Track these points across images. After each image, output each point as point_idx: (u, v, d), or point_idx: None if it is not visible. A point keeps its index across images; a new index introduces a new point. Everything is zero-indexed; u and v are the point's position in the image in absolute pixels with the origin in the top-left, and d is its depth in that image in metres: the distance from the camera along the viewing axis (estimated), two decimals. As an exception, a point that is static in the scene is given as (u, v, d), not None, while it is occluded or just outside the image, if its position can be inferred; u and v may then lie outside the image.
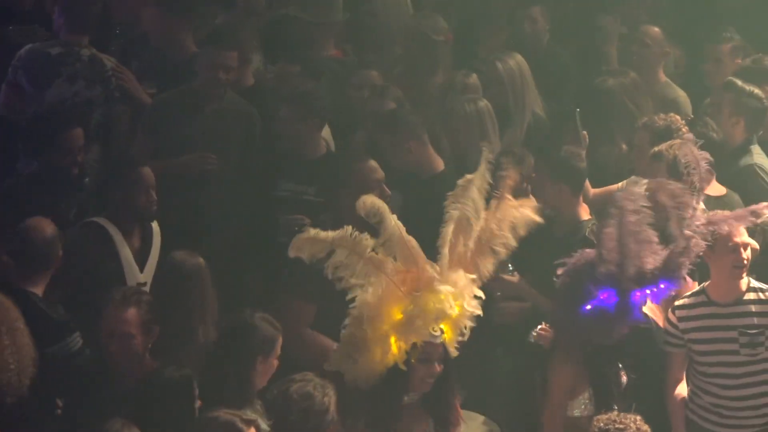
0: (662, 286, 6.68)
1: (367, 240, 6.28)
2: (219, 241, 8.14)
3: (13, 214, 7.39)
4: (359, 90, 8.84)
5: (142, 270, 7.54)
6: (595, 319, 6.65)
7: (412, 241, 6.30)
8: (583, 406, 6.79)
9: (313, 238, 6.44)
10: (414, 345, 6.24)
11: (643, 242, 6.63)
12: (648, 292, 6.68)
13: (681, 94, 9.18)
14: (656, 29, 9.49)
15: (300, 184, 8.10)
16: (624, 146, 8.44)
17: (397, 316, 6.26)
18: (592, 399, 6.74)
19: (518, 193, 7.48)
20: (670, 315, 7.01)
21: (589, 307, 6.62)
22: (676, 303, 6.97)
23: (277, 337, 6.74)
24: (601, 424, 6.11)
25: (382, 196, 7.23)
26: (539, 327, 7.17)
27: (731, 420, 6.94)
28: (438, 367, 6.30)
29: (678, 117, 8.15)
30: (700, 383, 6.92)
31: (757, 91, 8.35)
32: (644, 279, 6.60)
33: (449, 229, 6.41)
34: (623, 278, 6.53)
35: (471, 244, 6.46)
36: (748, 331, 6.84)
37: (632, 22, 10.04)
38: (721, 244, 6.77)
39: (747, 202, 7.61)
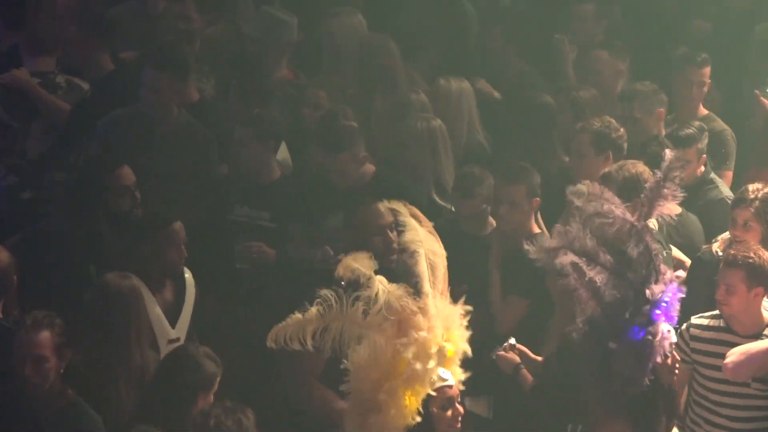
0: (667, 297, 6.33)
1: (358, 307, 6.04)
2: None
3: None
4: (314, 110, 8.90)
5: (174, 325, 7.61)
6: (628, 358, 6.27)
7: (404, 299, 6.07)
8: None
9: (303, 321, 6.22)
10: (428, 395, 6.10)
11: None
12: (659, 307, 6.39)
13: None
14: (604, 53, 9.72)
15: (255, 209, 8.17)
16: (566, 158, 8.65)
17: (399, 369, 6.08)
18: None
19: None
20: (684, 329, 6.93)
21: (615, 346, 6.28)
22: (693, 320, 6.94)
23: (218, 373, 6.84)
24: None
25: (386, 242, 7.38)
26: (508, 343, 7.20)
27: None
28: (461, 408, 6.16)
29: (613, 120, 8.42)
30: (701, 412, 6.94)
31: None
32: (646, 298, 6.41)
33: (422, 266, 6.22)
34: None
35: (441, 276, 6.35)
36: None
37: (587, 42, 10.23)
38: None
39: (713, 231, 7.92)
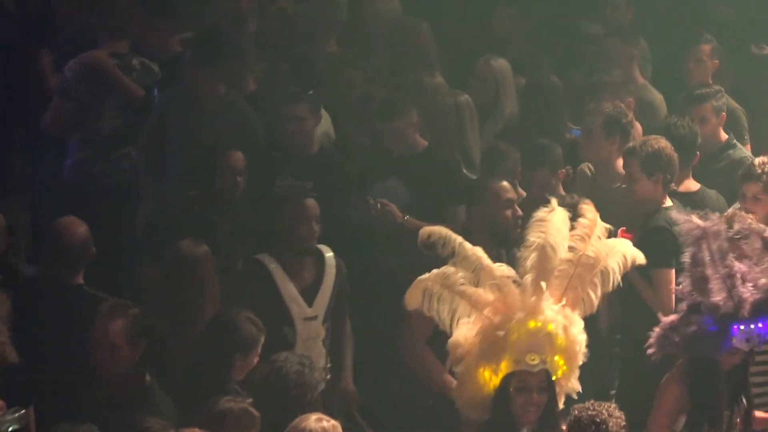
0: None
1: (456, 273, 6.37)
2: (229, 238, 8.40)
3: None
4: (348, 88, 9.29)
5: (311, 304, 7.76)
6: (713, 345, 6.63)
7: (495, 268, 6.36)
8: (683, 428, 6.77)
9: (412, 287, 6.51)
10: (511, 374, 6.28)
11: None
12: None
13: (657, 97, 9.75)
14: (615, 40, 9.94)
15: (298, 179, 8.33)
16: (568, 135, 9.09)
17: (490, 346, 6.33)
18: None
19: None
20: None
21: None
22: None
23: (259, 337, 7.03)
24: (576, 412, 6.19)
25: (513, 216, 7.72)
26: None
27: None
28: (538, 397, 6.28)
29: (622, 105, 8.74)
30: None
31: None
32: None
33: (532, 257, 6.43)
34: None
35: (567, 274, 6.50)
36: None
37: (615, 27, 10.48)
38: None
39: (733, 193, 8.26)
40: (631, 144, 8.25)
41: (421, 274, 7.21)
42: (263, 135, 8.80)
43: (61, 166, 9.00)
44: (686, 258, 6.75)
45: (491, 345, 6.27)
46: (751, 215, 7.42)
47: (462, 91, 9.11)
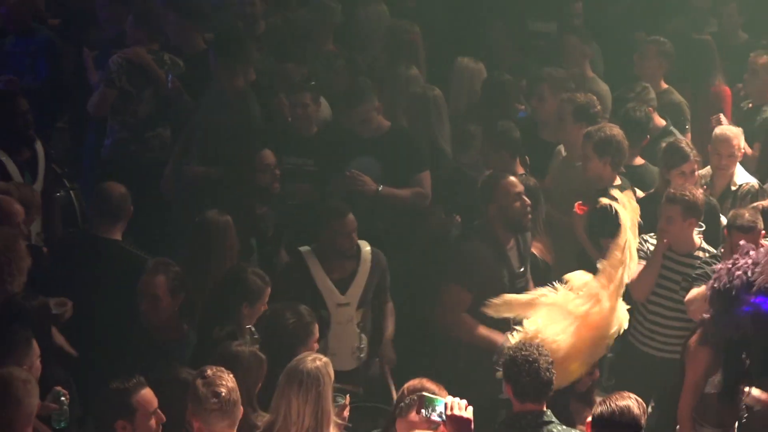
0: None
1: (569, 296, 6.74)
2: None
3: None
4: (336, 76, 9.88)
5: (344, 292, 8.06)
6: (751, 320, 6.82)
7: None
8: (714, 385, 7.03)
9: (519, 302, 6.90)
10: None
11: None
12: None
13: (603, 88, 10.28)
14: (574, 38, 10.50)
15: (301, 157, 9.06)
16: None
17: (595, 350, 6.81)
18: (723, 378, 6.97)
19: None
20: None
21: (746, 310, 6.80)
22: None
23: (264, 289, 7.30)
24: (511, 352, 6.37)
25: (523, 206, 8.02)
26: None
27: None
28: (597, 374, 6.97)
29: (594, 97, 9.26)
30: (643, 314, 7.95)
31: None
32: None
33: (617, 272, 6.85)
34: None
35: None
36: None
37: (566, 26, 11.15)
38: None
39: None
40: (588, 128, 8.69)
41: (400, 237, 8.09)
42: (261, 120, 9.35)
43: (100, 145, 9.56)
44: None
45: (595, 348, 6.82)
46: None
47: (434, 87, 9.60)
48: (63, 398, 6.69)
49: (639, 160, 9.16)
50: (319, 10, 10.65)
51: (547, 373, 6.19)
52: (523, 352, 6.22)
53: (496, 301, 6.95)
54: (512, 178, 8.14)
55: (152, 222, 8.93)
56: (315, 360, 6.32)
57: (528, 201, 7.99)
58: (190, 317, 7.40)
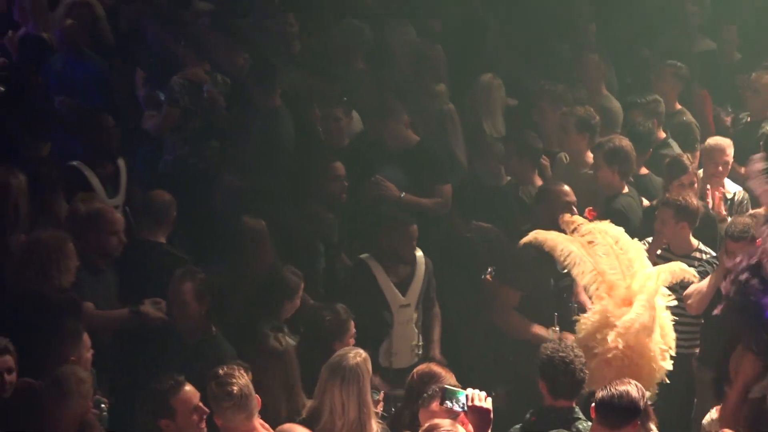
0: None
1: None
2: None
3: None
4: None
5: (405, 294, 8.44)
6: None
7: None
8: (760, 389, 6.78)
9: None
10: None
11: None
12: None
13: (616, 104, 10.73)
14: (594, 56, 11.04)
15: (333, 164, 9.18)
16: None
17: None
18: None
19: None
20: None
21: None
22: None
23: (300, 284, 7.68)
24: (548, 352, 6.59)
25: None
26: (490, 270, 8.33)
27: None
28: None
29: (592, 109, 9.65)
30: None
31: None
32: None
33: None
34: None
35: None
36: None
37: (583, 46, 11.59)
38: None
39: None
40: (600, 139, 9.17)
41: (419, 240, 8.29)
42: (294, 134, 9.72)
43: (152, 159, 9.86)
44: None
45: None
46: None
47: (447, 102, 10.15)
48: (103, 405, 6.92)
49: (644, 170, 9.67)
50: (350, 32, 11.03)
51: (581, 374, 6.49)
52: (560, 353, 6.49)
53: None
54: (566, 188, 8.44)
55: (204, 228, 9.22)
56: (356, 356, 6.60)
57: (576, 212, 8.13)
58: (218, 318, 7.65)
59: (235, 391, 6.38)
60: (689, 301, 8.05)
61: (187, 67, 9.94)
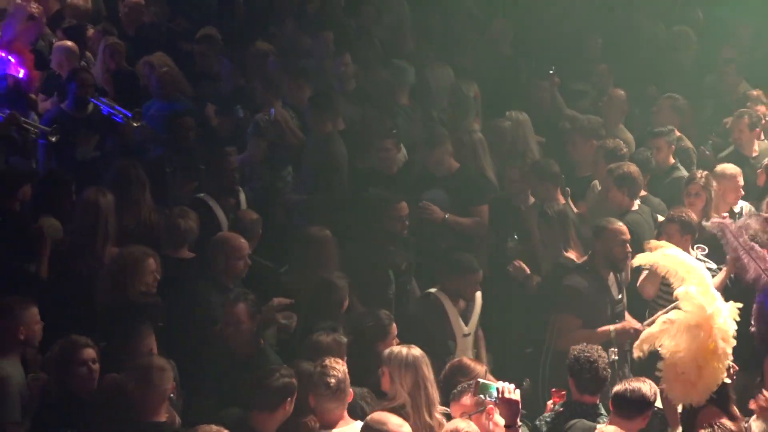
0: None
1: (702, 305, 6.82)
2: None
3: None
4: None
5: (467, 323, 8.74)
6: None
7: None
8: None
9: (654, 334, 6.92)
10: None
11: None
12: None
13: (629, 136, 11.53)
14: (622, 92, 11.81)
15: (384, 190, 10.12)
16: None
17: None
18: None
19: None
20: None
21: None
22: None
23: (346, 288, 8.16)
24: (575, 353, 6.97)
25: (624, 252, 8.64)
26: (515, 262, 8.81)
27: None
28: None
29: (621, 142, 10.48)
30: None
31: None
32: None
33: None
34: None
35: None
36: None
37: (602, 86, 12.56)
38: None
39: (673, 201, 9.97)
40: (611, 165, 9.84)
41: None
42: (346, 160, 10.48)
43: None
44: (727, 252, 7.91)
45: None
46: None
47: (477, 131, 10.83)
48: (171, 395, 7.14)
49: (642, 192, 10.26)
50: (397, 71, 11.94)
51: (604, 372, 6.99)
52: (585, 354, 6.98)
53: (636, 344, 7.04)
54: (622, 227, 8.84)
55: (282, 239, 9.84)
56: (409, 347, 7.13)
57: (629, 249, 8.59)
58: (263, 333, 8.03)
59: (332, 383, 6.83)
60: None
61: (263, 103, 10.93)
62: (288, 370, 7.07)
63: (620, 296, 9.00)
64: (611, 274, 8.92)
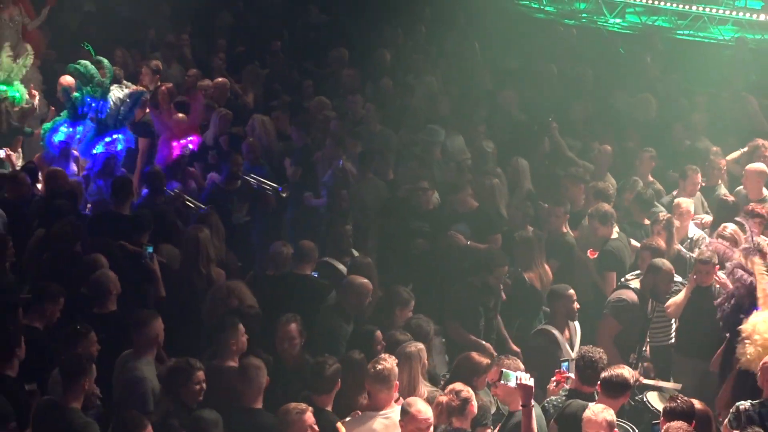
0: None
1: None
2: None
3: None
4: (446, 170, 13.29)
5: (573, 350, 9.55)
6: None
7: None
8: None
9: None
10: None
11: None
12: None
13: (612, 181, 13.16)
14: (608, 147, 13.62)
15: (422, 222, 11.89)
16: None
17: None
18: None
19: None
20: None
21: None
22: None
23: (411, 300, 9.15)
24: (582, 352, 7.83)
25: (667, 286, 9.78)
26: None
27: None
28: None
29: (609, 185, 12.22)
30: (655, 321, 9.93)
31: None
32: None
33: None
34: None
35: None
36: None
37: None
38: None
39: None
40: (591, 208, 11.56)
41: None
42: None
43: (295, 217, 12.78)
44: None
45: None
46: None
47: (494, 177, 12.46)
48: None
49: (646, 221, 12.03)
50: (432, 133, 14.08)
51: (601, 369, 7.94)
52: (588, 353, 8.04)
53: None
54: (672, 270, 9.95)
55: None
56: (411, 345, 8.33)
57: (672, 286, 9.78)
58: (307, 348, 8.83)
59: (379, 368, 7.79)
60: (669, 310, 10.10)
61: (333, 157, 13.40)
62: (332, 359, 8.04)
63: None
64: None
